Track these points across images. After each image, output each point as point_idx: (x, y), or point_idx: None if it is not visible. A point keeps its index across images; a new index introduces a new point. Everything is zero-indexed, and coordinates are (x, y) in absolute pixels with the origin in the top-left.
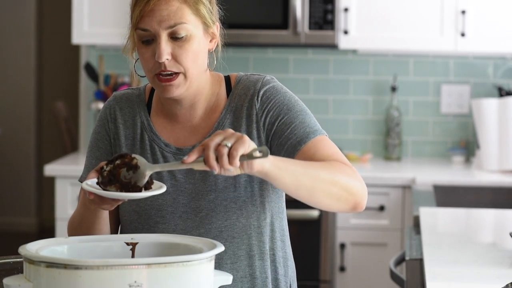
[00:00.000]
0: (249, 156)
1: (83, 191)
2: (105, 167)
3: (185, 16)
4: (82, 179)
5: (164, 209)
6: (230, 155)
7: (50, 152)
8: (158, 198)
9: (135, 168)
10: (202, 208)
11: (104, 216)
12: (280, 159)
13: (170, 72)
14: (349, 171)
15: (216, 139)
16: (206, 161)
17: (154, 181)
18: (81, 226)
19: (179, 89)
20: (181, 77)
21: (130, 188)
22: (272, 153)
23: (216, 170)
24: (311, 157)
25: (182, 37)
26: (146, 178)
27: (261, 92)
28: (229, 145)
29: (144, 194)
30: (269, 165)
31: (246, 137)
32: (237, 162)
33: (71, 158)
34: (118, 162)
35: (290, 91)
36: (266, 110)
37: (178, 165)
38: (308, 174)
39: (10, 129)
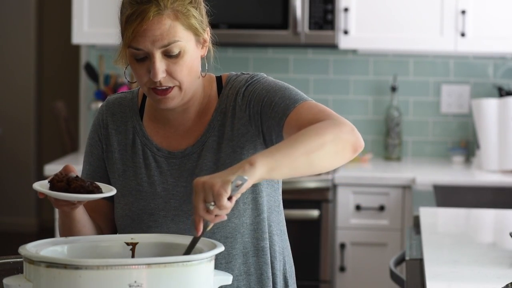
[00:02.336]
0: (236, 187)
1: None
2: None
3: (177, 34)
4: None
5: (156, 213)
6: (220, 209)
7: (50, 152)
8: (150, 202)
9: None
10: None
11: (79, 219)
12: (267, 157)
13: (165, 87)
14: (332, 123)
15: (201, 206)
16: (212, 222)
17: (105, 184)
18: (62, 230)
19: (174, 100)
20: (176, 89)
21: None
22: (265, 136)
23: (225, 218)
24: (296, 126)
25: (176, 54)
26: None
27: (243, 89)
28: (212, 204)
29: (93, 196)
30: (260, 173)
31: (217, 185)
32: (230, 206)
33: (71, 158)
34: None
35: None
36: (248, 101)
37: (196, 241)
38: (299, 151)
39: (10, 129)
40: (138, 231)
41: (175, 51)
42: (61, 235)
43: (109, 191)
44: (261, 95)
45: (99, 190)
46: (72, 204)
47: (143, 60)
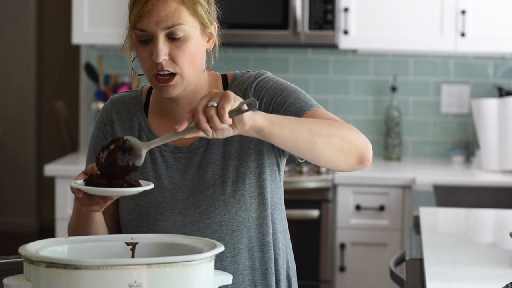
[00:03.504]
0: (238, 111)
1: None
2: (101, 153)
3: (182, 17)
4: None
5: (163, 206)
6: (218, 114)
7: (50, 152)
8: (156, 195)
9: (129, 150)
10: (201, 204)
11: (98, 219)
12: (274, 115)
13: (167, 72)
14: (347, 126)
15: (203, 102)
16: (198, 126)
17: (141, 181)
18: (77, 230)
19: (176, 89)
20: (178, 77)
21: (130, 170)
22: None
23: (210, 132)
24: None
25: (180, 37)
26: (143, 157)
27: (254, 84)
28: (215, 104)
29: (131, 190)
30: (262, 119)
31: (230, 93)
32: (227, 118)
33: (71, 158)
34: (112, 147)
35: None
36: (260, 97)
37: (172, 136)
38: (304, 127)
39: (10, 129)
40: (144, 225)
41: (179, 34)
42: (73, 235)
43: (147, 185)
44: (275, 93)
45: (139, 184)
46: (104, 202)
47: (147, 43)
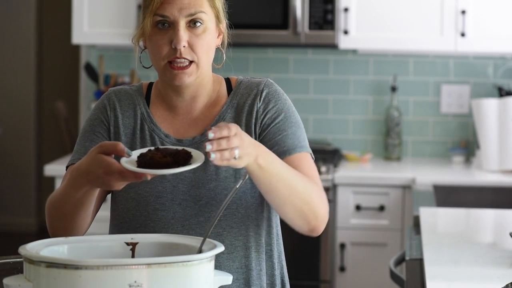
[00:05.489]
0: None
1: (70, 173)
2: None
3: (204, 6)
4: (70, 164)
5: (164, 196)
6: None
7: (50, 152)
8: (157, 185)
9: None
10: (202, 197)
11: (93, 200)
12: (266, 158)
13: (183, 60)
14: (322, 195)
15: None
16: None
17: (193, 150)
18: (65, 205)
19: (190, 77)
20: (193, 66)
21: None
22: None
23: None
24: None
25: (199, 26)
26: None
27: (264, 93)
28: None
29: (184, 168)
30: (253, 165)
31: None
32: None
33: None
34: None
35: (290, 91)
36: (266, 110)
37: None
38: (286, 185)
39: (10, 129)
40: (143, 214)
41: (199, 22)
42: (57, 212)
43: (198, 158)
44: (279, 115)
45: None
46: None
47: (166, 30)
